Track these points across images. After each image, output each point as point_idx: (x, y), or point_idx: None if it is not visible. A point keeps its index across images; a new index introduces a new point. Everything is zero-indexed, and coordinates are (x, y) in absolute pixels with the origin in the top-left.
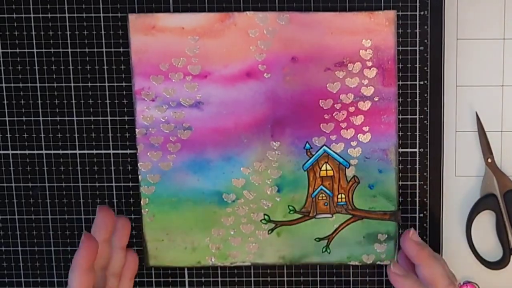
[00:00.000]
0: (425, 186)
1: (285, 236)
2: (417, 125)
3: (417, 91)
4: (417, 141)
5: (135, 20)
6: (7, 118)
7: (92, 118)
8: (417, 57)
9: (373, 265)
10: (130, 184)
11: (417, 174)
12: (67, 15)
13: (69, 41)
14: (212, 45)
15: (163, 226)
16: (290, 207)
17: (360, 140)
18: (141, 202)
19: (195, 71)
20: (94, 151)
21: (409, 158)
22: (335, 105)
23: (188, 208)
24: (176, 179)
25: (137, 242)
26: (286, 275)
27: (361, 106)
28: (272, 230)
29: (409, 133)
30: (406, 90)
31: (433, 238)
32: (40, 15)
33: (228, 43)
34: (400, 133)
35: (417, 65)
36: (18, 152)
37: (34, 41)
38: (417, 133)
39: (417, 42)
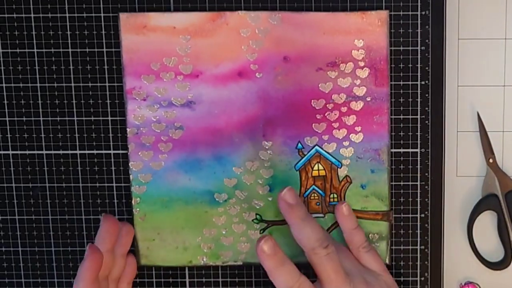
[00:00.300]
0: (426, 186)
1: (277, 236)
2: (418, 125)
3: (419, 91)
4: (418, 141)
5: (126, 19)
6: (7, 118)
7: (92, 118)
8: (418, 57)
9: None
10: (130, 184)
11: (418, 174)
12: (67, 15)
13: (69, 41)
14: (203, 45)
15: (155, 225)
16: None
17: (352, 140)
18: (132, 201)
19: (187, 71)
20: (95, 151)
21: (410, 159)
22: (327, 105)
23: (180, 208)
24: (168, 178)
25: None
26: None
27: (353, 106)
28: (264, 229)
29: (410, 133)
30: (407, 90)
31: (434, 239)
32: (40, 15)
33: (219, 43)
34: (401, 133)
35: (418, 65)
36: (18, 152)
37: (34, 41)
38: (418, 133)
39: (418, 42)
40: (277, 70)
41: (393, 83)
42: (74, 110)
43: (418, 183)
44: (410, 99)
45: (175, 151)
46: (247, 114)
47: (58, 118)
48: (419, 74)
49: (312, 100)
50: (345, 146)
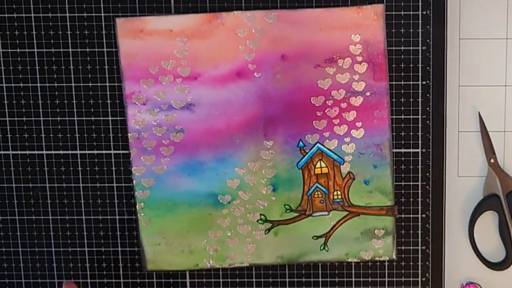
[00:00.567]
0: (427, 187)
1: (282, 235)
2: (420, 125)
3: (420, 91)
4: (420, 141)
5: (123, 24)
6: (7, 118)
7: (92, 118)
8: (420, 57)
9: (372, 261)
10: (131, 184)
11: (420, 175)
12: (67, 15)
13: (69, 41)
14: (201, 46)
15: (160, 230)
16: (286, 206)
17: (354, 136)
18: (137, 206)
19: (185, 73)
20: (95, 152)
21: (411, 159)
22: (326, 102)
23: (184, 211)
24: (171, 182)
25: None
26: (286, 275)
27: (353, 102)
28: (269, 230)
29: (411, 133)
30: (409, 90)
31: (435, 239)
32: (41, 15)
33: (216, 44)
34: (402, 133)
35: (420, 65)
36: (18, 152)
37: (34, 41)
38: (420, 133)
39: (420, 42)
40: (275, 68)
41: (394, 83)
42: (74, 110)
43: (419, 183)
44: (411, 99)
45: (177, 154)
46: (247, 114)
47: (58, 118)
48: (420, 74)
49: (312, 97)
50: (347, 142)
